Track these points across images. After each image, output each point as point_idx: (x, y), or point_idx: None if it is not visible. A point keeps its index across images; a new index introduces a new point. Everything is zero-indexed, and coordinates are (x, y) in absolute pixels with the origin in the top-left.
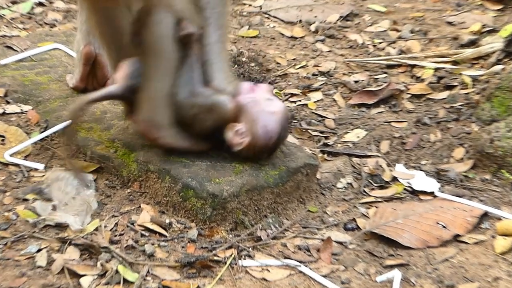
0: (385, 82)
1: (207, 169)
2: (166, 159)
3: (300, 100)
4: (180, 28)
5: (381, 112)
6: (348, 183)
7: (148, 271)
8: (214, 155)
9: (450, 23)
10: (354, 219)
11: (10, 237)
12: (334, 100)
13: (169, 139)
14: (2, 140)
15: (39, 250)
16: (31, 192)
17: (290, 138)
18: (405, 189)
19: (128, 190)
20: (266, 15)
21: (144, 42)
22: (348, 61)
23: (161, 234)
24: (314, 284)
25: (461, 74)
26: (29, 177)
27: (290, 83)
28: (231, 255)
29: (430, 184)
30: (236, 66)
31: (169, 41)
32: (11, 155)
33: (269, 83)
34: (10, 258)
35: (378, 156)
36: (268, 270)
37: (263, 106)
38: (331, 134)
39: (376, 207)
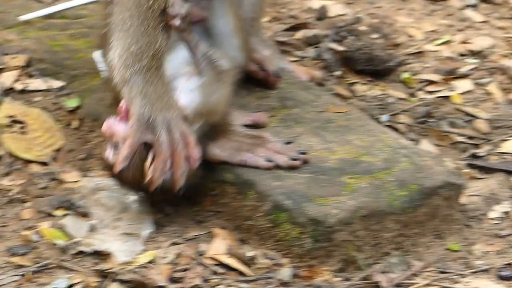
0: None
1: (308, 184)
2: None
3: (440, 91)
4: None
5: None
6: (504, 212)
7: None
8: (317, 162)
9: None
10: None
11: (31, 265)
12: (489, 93)
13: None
14: (22, 128)
15: (70, 286)
16: (60, 204)
17: (425, 145)
18: None
19: (196, 208)
20: None
21: None
22: (510, 37)
23: (240, 273)
24: None
25: None
26: (58, 181)
27: (427, 66)
28: None
29: None
30: (350, 38)
31: None
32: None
33: (397, 64)
34: None
35: None
36: None
37: None
38: (483, 141)
39: None
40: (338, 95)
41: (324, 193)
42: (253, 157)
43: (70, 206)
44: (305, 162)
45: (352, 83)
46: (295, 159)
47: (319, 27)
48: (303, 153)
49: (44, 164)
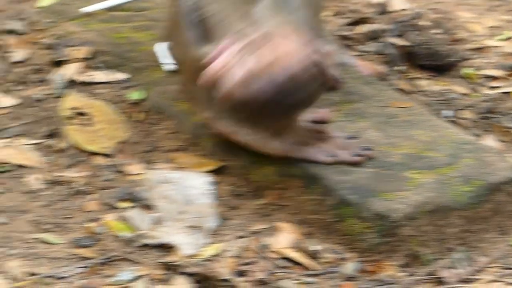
0: None
1: (373, 178)
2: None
3: (502, 86)
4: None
5: None
6: None
7: None
8: (381, 157)
9: None
10: None
11: (95, 257)
12: None
13: None
14: (86, 120)
15: (134, 279)
16: (124, 197)
17: (488, 140)
18: None
19: (261, 201)
20: None
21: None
22: None
23: (305, 267)
24: None
25: None
26: (122, 173)
27: (489, 61)
28: None
29: None
30: (412, 32)
31: None
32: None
33: (459, 59)
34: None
35: None
36: None
37: None
38: None
39: None
40: (400, 90)
41: (389, 188)
42: (315, 152)
43: (134, 199)
44: (369, 158)
45: (414, 78)
46: (358, 155)
47: (381, 22)
48: (368, 149)
49: (108, 156)
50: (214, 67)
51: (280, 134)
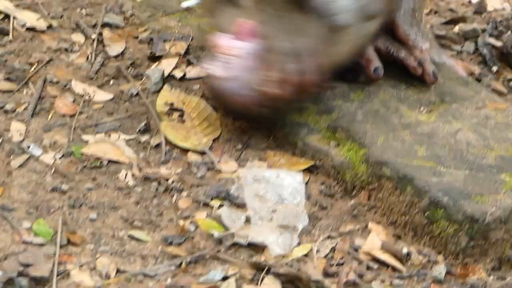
0: None
1: (466, 180)
2: (408, 161)
3: None
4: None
5: None
6: None
7: None
8: (475, 159)
9: None
10: None
11: (186, 255)
12: None
13: None
14: (180, 116)
15: (225, 278)
16: (216, 195)
17: None
18: None
19: (352, 202)
20: None
21: None
22: None
23: (394, 269)
24: None
25: None
26: (215, 171)
27: None
28: None
29: None
30: (508, 33)
31: None
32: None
33: None
34: (184, 286)
35: None
36: None
37: None
38: None
39: None
40: (496, 91)
41: (482, 191)
42: None
43: (226, 197)
44: None
45: (510, 80)
46: None
47: (478, 21)
48: None
49: (201, 153)
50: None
51: None
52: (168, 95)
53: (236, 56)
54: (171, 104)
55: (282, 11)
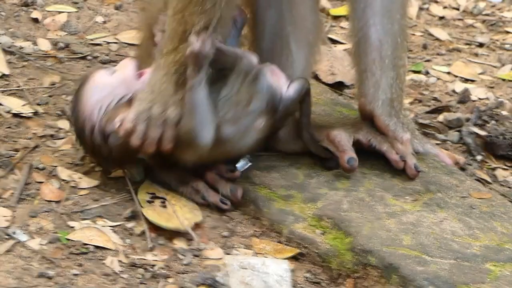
0: None
1: (451, 270)
2: (393, 250)
3: None
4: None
5: None
6: None
7: None
8: (460, 248)
9: None
10: None
11: None
12: None
13: None
14: (162, 203)
15: None
16: (203, 282)
17: None
18: None
19: None
20: None
21: None
22: None
23: None
24: None
25: None
26: (201, 258)
27: None
28: None
29: None
30: (492, 122)
31: None
32: None
33: None
34: None
35: None
36: None
37: None
38: None
39: None
40: (480, 180)
41: (467, 280)
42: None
43: (212, 284)
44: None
45: (494, 168)
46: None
47: (462, 111)
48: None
49: (187, 239)
50: None
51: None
52: (149, 186)
53: None
54: (153, 194)
55: None
